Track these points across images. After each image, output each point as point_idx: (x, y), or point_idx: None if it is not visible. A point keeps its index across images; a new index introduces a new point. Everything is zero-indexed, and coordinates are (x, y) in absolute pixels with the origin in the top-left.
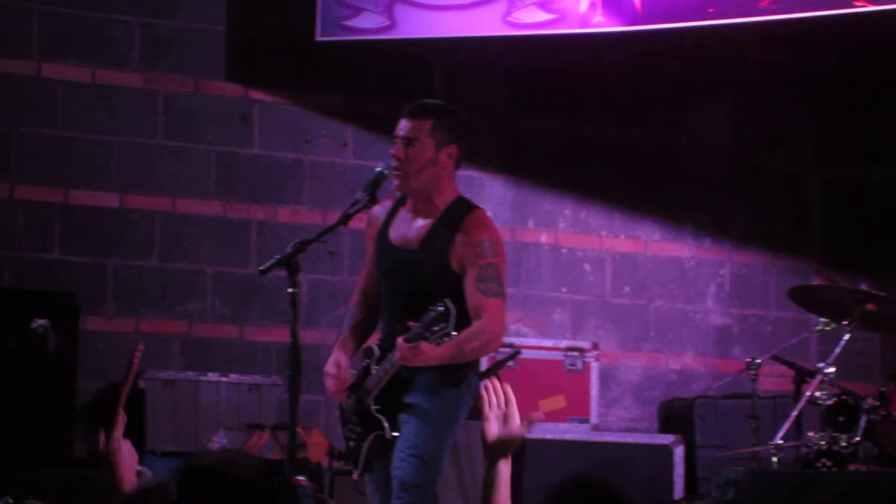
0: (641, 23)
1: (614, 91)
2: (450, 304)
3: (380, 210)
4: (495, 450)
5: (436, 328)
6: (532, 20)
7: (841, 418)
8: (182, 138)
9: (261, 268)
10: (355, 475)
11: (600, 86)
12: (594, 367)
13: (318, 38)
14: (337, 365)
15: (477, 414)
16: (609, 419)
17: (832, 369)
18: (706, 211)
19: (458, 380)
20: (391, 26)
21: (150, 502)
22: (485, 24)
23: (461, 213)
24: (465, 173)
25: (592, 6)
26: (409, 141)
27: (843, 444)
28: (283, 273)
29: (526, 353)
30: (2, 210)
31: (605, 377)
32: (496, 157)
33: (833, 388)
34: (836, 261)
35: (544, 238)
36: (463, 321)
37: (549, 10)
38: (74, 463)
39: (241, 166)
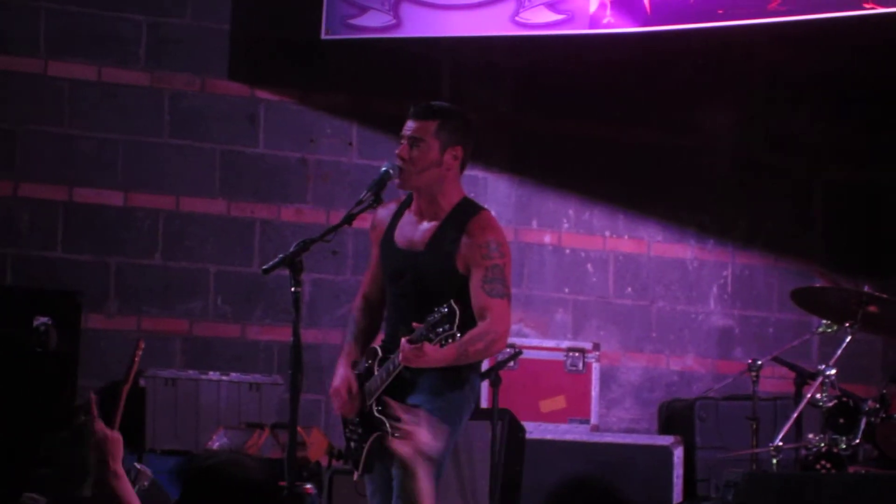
0: (652, 24)
1: (620, 92)
2: (454, 306)
3: (384, 213)
4: None
5: (440, 329)
6: (540, 20)
7: (841, 420)
8: (187, 137)
9: (264, 267)
10: (356, 476)
11: (606, 86)
12: (595, 367)
13: (324, 36)
14: (347, 384)
15: (478, 415)
16: (609, 420)
17: (833, 371)
18: (710, 212)
19: (461, 381)
20: (397, 25)
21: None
22: (492, 23)
23: (467, 214)
24: (469, 173)
25: (602, 7)
26: (414, 141)
27: (843, 446)
28: (286, 272)
29: (527, 354)
30: (6, 208)
31: (606, 378)
32: (501, 157)
33: (833, 390)
34: (839, 263)
35: (548, 238)
36: (467, 323)
37: (557, 11)
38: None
39: (246, 165)
